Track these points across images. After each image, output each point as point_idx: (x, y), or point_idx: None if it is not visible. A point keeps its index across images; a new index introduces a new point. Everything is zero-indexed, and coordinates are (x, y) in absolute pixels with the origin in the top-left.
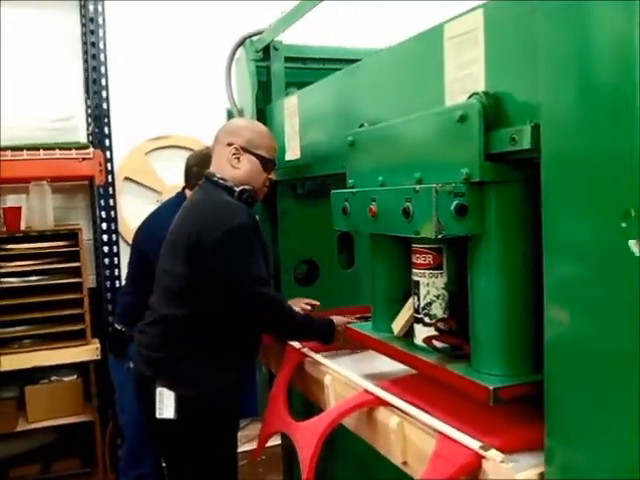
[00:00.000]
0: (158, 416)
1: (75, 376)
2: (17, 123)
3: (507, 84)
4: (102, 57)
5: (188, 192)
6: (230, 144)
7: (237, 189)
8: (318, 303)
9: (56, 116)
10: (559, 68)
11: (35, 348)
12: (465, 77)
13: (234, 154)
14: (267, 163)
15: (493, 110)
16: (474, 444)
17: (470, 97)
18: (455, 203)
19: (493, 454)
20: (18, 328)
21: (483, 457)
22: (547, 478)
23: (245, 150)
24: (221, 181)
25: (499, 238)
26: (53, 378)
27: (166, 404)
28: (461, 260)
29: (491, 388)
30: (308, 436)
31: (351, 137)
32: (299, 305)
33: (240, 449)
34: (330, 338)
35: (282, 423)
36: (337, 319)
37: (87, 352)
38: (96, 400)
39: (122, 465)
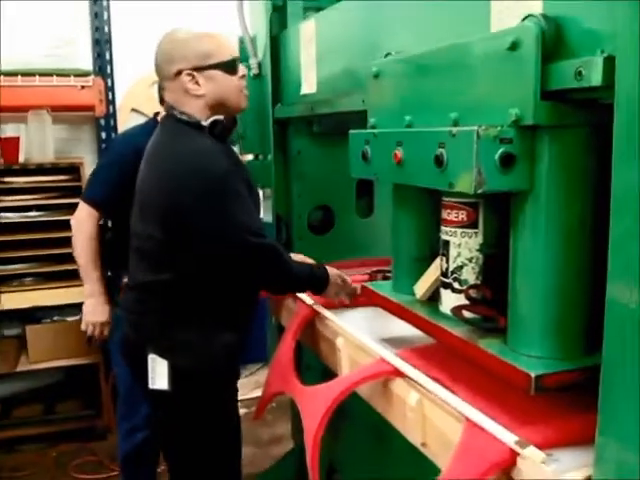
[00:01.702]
0: (151, 386)
1: (79, 317)
2: (15, 47)
3: (571, 5)
4: None
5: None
6: (179, 73)
7: (206, 124)
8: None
9: (56, 41)
10: None
11: (37, 287)
12: None
13: (190, 80)
14: (230, 65)
15: (553, 36)
16: (509, 438)
17: (524, 20)
18: (501, 151)
19: (532, 453)
20: (18, 266)
21: (518, 454)
22: None
23: (199, 69)
24: (184, 117)
25: (552, 196)
26: (56, 318)
27: (159, 373)
28: (501, 217)
29: (533, 375)
30: (314, 406)
31: (375, 67)
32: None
33: (251, 395)
34: (323, 289)
35: (287, 385)
36: (329, 270)
37: None
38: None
39: (118, 416)
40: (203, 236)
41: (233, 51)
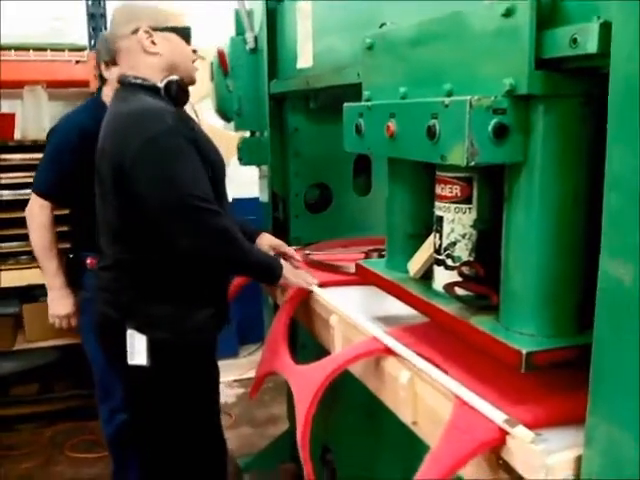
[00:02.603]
0: (130, 362)
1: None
2: (10, 22)
3: None
4: None
5: (106, 90)
6: (136, 31)
7: (161, 85)
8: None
9: (53, 15)
10: None
11: (33, 265)
12: None
13: (147, 38)
14: (185, 32)
15: (549, 2)
16: (498, 417)
17: None
18: (494, 122)
19: (521, 432)
20: (14, 244)
21: (507, 433)
22: (585, 463)
23: (156, 29)
24: (139, 81)
25: (546, 167)
26: None
27: (137, 348)
28: (495, 193)
29: (524, 352)
30: (306, 385)
31: (370, 39)
32: None
33: (248, 375)
34: (278, 273)
35: (280, 363)
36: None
37: None
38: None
39: (97, 399)
40: (144, 199)
41: (187, 23)
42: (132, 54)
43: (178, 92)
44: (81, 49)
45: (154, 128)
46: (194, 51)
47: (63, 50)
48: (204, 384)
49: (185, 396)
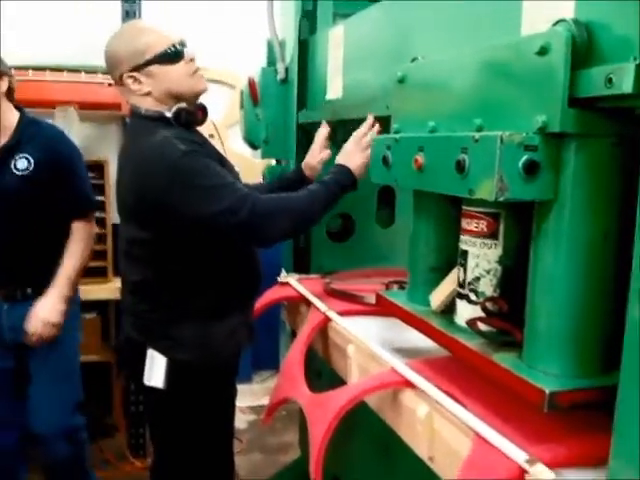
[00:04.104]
0: (146, 383)
1: (94, 314)
2: (45, 45)
3: (605, 11)
4: None
5: None
6: (120, 77)
7: (170, 114)
8: None
9: (87, 39)
10: None
11: None
12: (549, 2)
13: (133, 82)
14: (170, 55)
15: (584, 42)
16: (518, 455)
17: (555, 25)
18: (525, 158)
19: (540, 471)
20: None
21: (527, 472)
22: None
23: (137, 69)
24: (150, 112)
25: (576, 206)
26: None
27: (156, 370)
28: (522, 229)
29: (547, 391)
30: (321, 414)
31: (401, 72)
32: None
33: (261, 402)
34: (354, 182)
35: (295, 391)
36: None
37: (107, 290)
38: (114, 340)
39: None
40: (194, 226)
41: (170, 40)
42: (128, 97)
43: (188, 117)
44: None
45: (167, 160)
46: (191, 59)
47: (96, 72)
48: (220, 406)
49: (200, 417)
